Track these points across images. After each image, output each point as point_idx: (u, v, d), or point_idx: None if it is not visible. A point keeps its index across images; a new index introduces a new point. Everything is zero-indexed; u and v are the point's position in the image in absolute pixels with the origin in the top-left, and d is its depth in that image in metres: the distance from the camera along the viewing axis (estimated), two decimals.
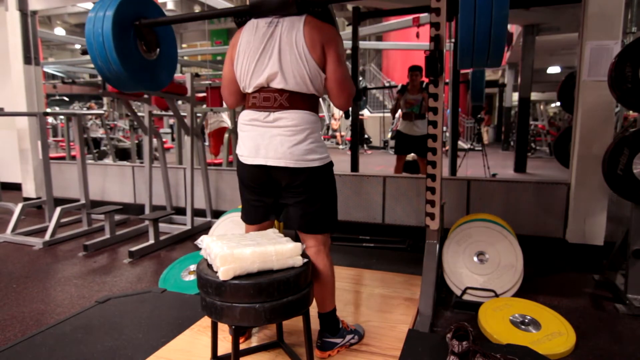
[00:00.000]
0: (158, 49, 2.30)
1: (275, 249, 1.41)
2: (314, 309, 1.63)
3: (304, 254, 1.49)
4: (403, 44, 12.13)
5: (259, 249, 1.39)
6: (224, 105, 4.41)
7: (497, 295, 2.29)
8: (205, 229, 3.84)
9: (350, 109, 1.87)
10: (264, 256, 1.39)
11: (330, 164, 1.69)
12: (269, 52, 1.57)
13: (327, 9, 1.66)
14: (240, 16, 1.73)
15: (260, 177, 1.64)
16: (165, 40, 2.34)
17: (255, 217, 1.78)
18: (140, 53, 2.17)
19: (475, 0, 1.59)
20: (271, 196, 1.71)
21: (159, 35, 2.28)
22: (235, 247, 1.39)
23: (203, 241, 1.51)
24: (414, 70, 4.73)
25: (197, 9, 15.20)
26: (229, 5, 9.73)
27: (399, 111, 4.90)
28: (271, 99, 1.58)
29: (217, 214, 3.83)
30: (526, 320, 2.03)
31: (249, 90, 1.63)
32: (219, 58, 17.47)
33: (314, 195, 1.64)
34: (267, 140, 1.58)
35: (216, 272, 1.38)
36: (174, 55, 2.45)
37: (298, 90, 1.57)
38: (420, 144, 4.66)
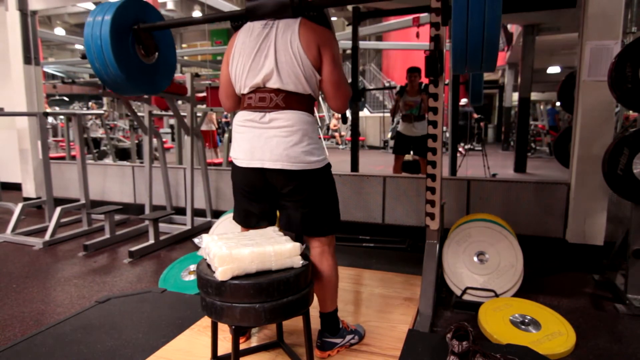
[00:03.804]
0: (157, 53, 2.30)
1: (274, 249, 1.41)
2: (314, 309, 1.63)
3: (303, 255, 1.48)
4: (403, 44, 12.14)
5: (258, 250, 1.39)
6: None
7: (497, 295, 2.29)
8: (205, 229, 3.84)
9: (347, 113, 1.87)
10: (262, 257, 1.39)
11: (328, 166, 1.68)
12: (264, 52, 1.57)
13: (322, 13, 1.66)
14: (236, 20, 1.74)
15: (256, 181, 1.63)
16: (163, 44, 2.34)
17: (247, 223, 1.77)
18: (138, 57, 2.18)
19: (468, 2, 1.60)
20: (266, 202, 1.70)
21: (157, 40, 2.29)
22: (234, 247, 1.39)
23: (203, 240, 1.51)
24: (412, 71, 4.73)
25: (197, 8, 15.22)
26: (228, 5, 9.74)
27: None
28: (267, 99, 1.57)
29: (217, 214, 3.83)
30: (526, 320, 2.03)
31: (245, 91, 1.62)
32: (219, 58, 17.48)
33: (314, 198, 1.63)
34: (263, 142, 1.56)
35: (214, 272, 1.38)
36: (172, 59, 2.46)
37: (294, 91, 1.57)
38: (418, 144, 4.70)
